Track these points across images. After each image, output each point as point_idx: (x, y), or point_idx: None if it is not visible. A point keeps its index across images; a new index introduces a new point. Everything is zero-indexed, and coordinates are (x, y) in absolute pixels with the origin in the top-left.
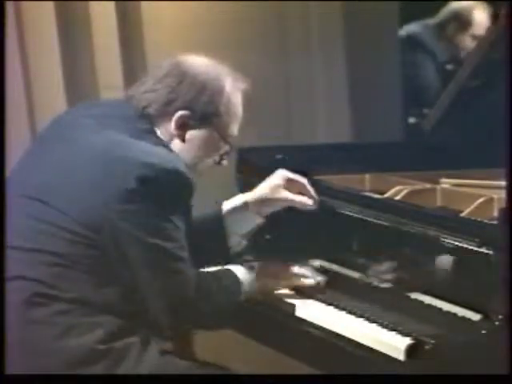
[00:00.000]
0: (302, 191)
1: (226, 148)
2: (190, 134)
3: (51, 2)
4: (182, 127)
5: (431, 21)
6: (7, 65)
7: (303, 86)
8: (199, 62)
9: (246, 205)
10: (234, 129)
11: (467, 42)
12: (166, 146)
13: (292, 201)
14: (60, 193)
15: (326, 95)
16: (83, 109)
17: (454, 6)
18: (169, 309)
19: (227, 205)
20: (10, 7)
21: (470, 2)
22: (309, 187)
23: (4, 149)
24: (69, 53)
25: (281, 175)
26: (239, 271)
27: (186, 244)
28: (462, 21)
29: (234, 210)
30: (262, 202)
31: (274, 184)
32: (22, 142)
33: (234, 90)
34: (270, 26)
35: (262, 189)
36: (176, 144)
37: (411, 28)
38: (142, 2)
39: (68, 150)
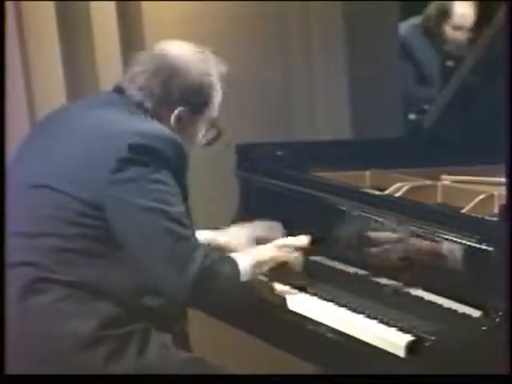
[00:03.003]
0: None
1: (214, 132)
2: (187, 126)
3: (52, 2)
4: (180, 121)
5: (418, 19)
6: (8, 64)
7: (303, 84)
8: (185, 54)
9: None
10: (216, 108)
11: (451, 34)
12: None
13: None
14: (61, 175)
15: (326, 92)
16: (75, 103)
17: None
18: (177, 280)
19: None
20: (10, 7)
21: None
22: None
23: (4, 148)
24: (69, 52)
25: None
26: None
27: (188, 217)
28: (442, 13)
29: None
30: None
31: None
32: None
33: (218, 76)
34: (270, 26)
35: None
36: None
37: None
38: (143, 1)
39: (64, 134)
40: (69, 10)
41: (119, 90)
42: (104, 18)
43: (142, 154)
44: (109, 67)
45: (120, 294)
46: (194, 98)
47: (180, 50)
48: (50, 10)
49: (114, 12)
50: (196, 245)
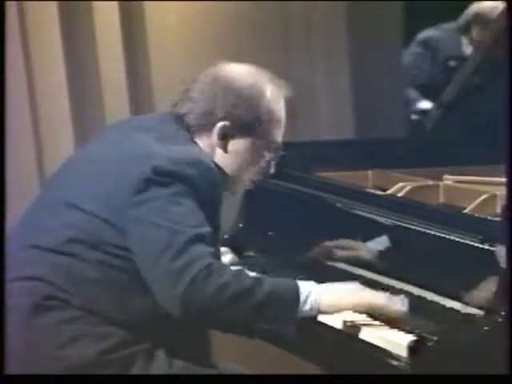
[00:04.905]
0: None
1: (272, 155)
2: (233, 144)
3: (54, 2)
4: (224, 138)
5: (452, 24)
6: (10, 64)
7: (306, 84)
8: (236, 70)
9: None
10: (277, 135)
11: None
12: (195, 144)
13: None
14: (89, 194)
15: (328, 92)
16: (128, 120)
17: (475, 8)
18: (170, 292)
19: None
20: (13, 8)
21: (490, 2)
22: None
23: (4, 149)
24: (72, 51)
25: None
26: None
27: (208, 237)
28: (484, 21)
29: None
30: None
31: None
32: (24, 141)
33: (274, 96)
34: (272, 27)
35: None
36: (219, 155)
37: (429, 32)
38: (145, 1)
39: (100, 154)
40: (71, 9)
41: (173, 106)
42: (106, 18)
43: (164, 176)
44: (111, 67)
45: (131, 320)
46: (240, 113)
47: (232, 67)
48: (52, 9)
49: (116, 12)
50: (196, 260)
